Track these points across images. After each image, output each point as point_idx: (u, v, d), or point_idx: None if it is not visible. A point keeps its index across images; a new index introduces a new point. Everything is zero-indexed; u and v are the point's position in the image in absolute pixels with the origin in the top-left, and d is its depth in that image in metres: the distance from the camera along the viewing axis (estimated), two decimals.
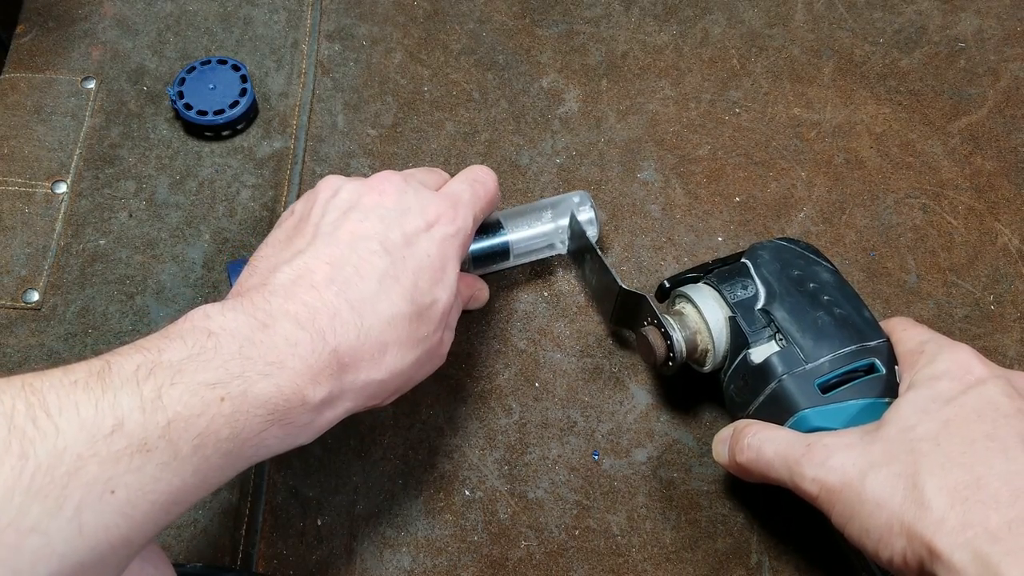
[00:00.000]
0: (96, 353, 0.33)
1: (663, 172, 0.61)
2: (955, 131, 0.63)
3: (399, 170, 0.46)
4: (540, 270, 0.57)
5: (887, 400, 0.42)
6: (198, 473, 0.32)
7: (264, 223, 0.57)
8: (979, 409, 0.38)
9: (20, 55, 0.63)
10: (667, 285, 0.50)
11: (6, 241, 0.56)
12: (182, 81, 0.60)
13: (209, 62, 0.61)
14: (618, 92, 0.64)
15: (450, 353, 0.53)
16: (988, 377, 0.39)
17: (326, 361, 0.37)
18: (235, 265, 0.52)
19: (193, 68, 0.61)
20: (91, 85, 0.62)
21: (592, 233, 0.54)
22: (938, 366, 0.41)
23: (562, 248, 0.55)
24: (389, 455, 0.50)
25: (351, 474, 0.50)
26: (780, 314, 0.45)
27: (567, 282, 0.56)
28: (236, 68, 0.61)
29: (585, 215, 0.54)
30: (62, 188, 0.58)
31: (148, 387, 0.31)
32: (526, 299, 0.56)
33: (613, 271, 0.50)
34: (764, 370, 0.44)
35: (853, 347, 0.44)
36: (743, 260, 0.48)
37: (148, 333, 0.35)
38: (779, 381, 0.44)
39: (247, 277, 0.40)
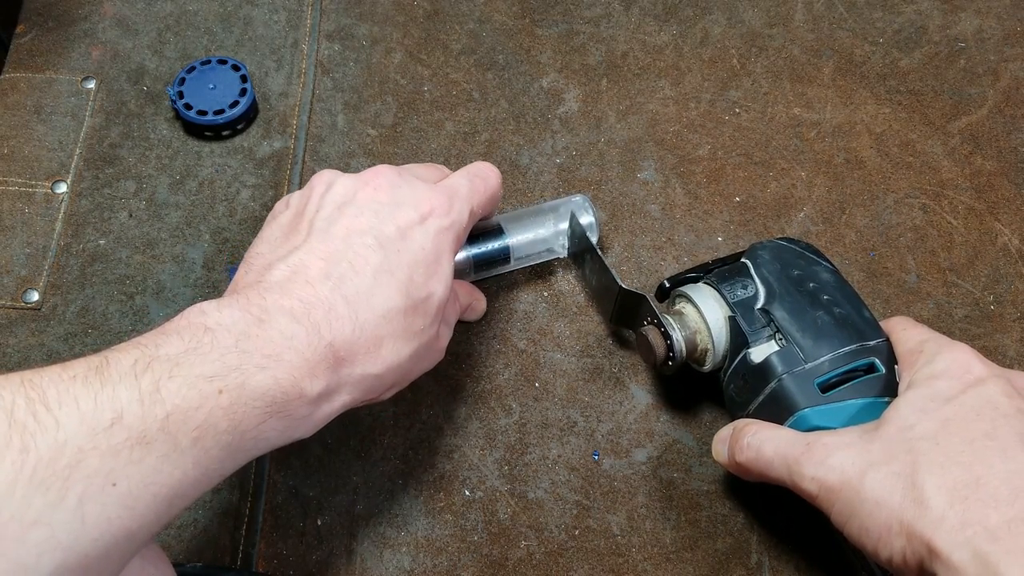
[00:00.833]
0: (96, 353, 0.33)
1: (663, 172, 0.61)
2: (955, 131, 0.63)
3: None
4: (540, 271, 0.57)
5: (886, 399, 0.42)
6: (199, 466, 0.33)
7: (264, 223, 0.57)
8: (978, 408, 0.38)
9: (20, 55, 0.63)
10: (667, 285, 0.50)
11: (6, 241, 0.56)
12: (182, 81, 0.60)
13: (209, 62, 0.62)
14: (618, 92, 0.64)
15: (450, 353, 0.53)
16: (987, 376, 0.39)
17: (322, 355, 0.37)
18: (236, 268, 0.52)
19: (193, 68, 0.61)
20: (91, 85, 0.62)
21: (592, 234, 0.54)
22: (937, 365, 0.41)
23: (562, 252, 0.55)
24: (389, 455, 0.50)
25: (351, 474, 0.50)
26: (780, 314, 0.45)
27: (567, 282, 0.56)
28: (236, 68, 0.61)
29: (585, 218, 0.54)
30: (62, 188, 0.58)
31: (146, 381, 0.32)
32: (526, 299, 0.56)
33: (613, 271, 0.50)
34: (764, 369, 0.44)
35: (853, 347, 0.44)
36: (743, 260, 0.48)
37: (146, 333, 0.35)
38: (779, 380, 0.44)
39: (243, 274, 0.41)
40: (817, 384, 0.43)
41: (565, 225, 0.54)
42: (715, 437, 0.46)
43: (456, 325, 0.52)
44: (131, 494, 0.30)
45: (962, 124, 0.63)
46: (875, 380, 0.43)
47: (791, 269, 0.47)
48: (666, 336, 0.47)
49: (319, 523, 0.49)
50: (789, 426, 0.43)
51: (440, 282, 0.42)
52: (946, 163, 0.62)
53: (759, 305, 0.46)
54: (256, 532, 0.48)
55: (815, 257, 0.48)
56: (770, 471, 0.42)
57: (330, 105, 0.62)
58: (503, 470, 0.50)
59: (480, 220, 0.51)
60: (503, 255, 0.53)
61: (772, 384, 0.44)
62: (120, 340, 0.52)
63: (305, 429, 0.38)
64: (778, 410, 0.44)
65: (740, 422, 0.45)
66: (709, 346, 0.47)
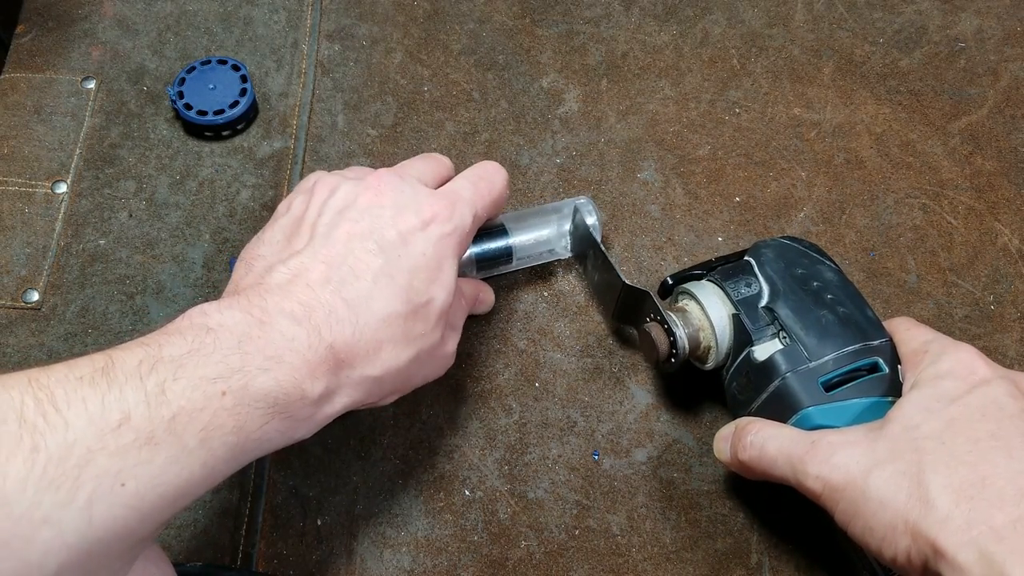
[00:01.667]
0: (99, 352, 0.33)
1: (663, 172, 0.61)
2: (955, 131, 0.63)
3: None
4: (541, 270, 0.56)
5: (890, 399, 0.42)
6: (205, 466, 0.33)
7: (264, 223, 0.57)
8: (983, 408, 0.38)
9: (20, 55, 0.63)
10: (670, 282, 0.50)
11: (6, 241, 0.56)
12: (182, 81, 0.60)
13: (209, 62, 0.61)
14: (618, 92, 0.64)
15: None
16: (992, 377, 0.39)
17: (323, 356, 0.37)
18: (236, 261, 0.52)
19: (193, 68, 0.61)
20: (91, 85, 0.62)
21: (594, 235, 0.54)
22: (942, 366, 0.41)
23: (564, 253, 0.55)
24: (389, 455, 0.50)
25: (351, 474, 0.50)
26: (784, 312, 0.45)
27: (567, 282, 0.56)
28: (236, 68, 0.61)
29: (589, 219, 0.54)
30: (62, 188, 0.58)
31: (151, 382, 0.32)
32: (526, 299, 0.56)
33: (616, 267, 0.50)
34: (767, 368, 0.44)
35: (856, 346, 0.44)
36: (747, 258, 0.48)
37: (148, 333, 0.35)
38: (782, 379, 0.44)
39: (243, 275, 0.41)
40: (821, 383, 0.43)
41: (568, 226, 0.54)
42: (717, 435, 0.46)
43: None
44: (138, 494, 0.30)
45: (962, 124, 0.63)
46: (879, 380, 0.43)
47: (795, 268, 0.47)
48: (669, 333, 0.47)
49: (319, 523, 0.48)
50: (792, 424, 0.43)
51: (442, 288, 0.42)
52: (946, 163, 0.62)
53: (763, 303, 0.46)
54: (256, 532, 0.48)
55: (819, 256, 0.48)
56: (773, 470, 0.42)
57: (330, 105, 0.62)
58: (503, 470, 0.50)
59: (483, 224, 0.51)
60: (506, 255, 0.53)
61: (775, 382, 0.44)
62: (120, 340, 0.52)
63: (306, 430, 0.38)
64: (781, 408, 0.44)
65: (742, 420, 0.45)
66: (712, 343, 0.47)
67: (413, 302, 0.41)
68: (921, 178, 0.61)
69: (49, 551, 0.28)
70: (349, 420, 0.51)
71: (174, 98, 0.60)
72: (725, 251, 0.57)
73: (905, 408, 0.39)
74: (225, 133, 0.60)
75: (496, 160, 0.60)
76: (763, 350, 0.45)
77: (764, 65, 0.66)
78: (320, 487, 0.49)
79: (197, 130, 0.60)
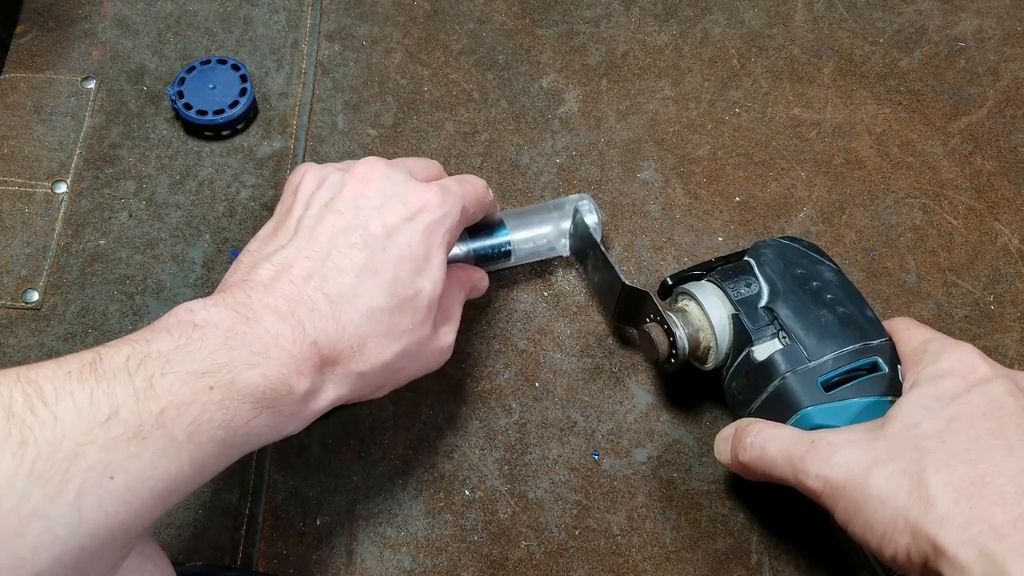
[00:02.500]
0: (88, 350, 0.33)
1: (663, 172, 0.61)
2: (955, 131, 0.63)
3: None
4: (540, 270, 0.56)
5: (889, 399, 0.42)
6: (194, 461, 0.33)
7: (264, 223, 0.57)
8: (984, 407, 0.38)
9: (20, 55, 0.63)
10: (670, 282, 0.50)
11: (6, 241, 0.56)
12: (182, 81, 0.60)
13: (209, 62, 0.61)
14: (618, 92, 0.64)
15: None
16: (992, 376, 0.39)
17: (308, 352, 0.37)
18: (237, 252, 0.52)
19: (193, 68, 0.61)
20: (91, 85, 0.62)
21: (595, 236, 0.54)
22: (942, 364, 0.41)
23: (564, 250, 0.55)
24: (389, 455, 0.50)
25: (351, 474, 0.50)
26: (783, 312, 0.45)
27: (567, 282, 0.56)
28: (236, 68, 0.61)
29: (587, 218, 0.54)
30: (62, 188, 0.58)
31: (140, 377, 0.32)
32: (526, 299, 0.56)
33: (616, 267, 0.50)
34: (767, 368, 0.44)
35: (856, 346, 0.44)
36: (747, 258, 0.48)
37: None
38: (782, 379, 0.44)
39: (231, 273, 0.41)
40: (820, 383, 0.43)
41: (568, 224, 0.54)
42: (717, 437, 0.46)
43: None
44: (128, 488, 0.30)
45: (962, 124, 0.63)
46: (878, 379, 0.43)
47: (795, 268, 0.47)
48: (669, 333, 0.47)
49: (319, 523, 0.48)
50: (792, 424, 0.43)
51: (428, 279, 0.42)
52: (946, 163, 0.62)
53: (763, 303, 0.46)
54: (256, 532, 0.48)
55: (818, 256, 0.48)
56: (774, 470, 0.42)
57: (330, 105, 0.62)
58: (503, 470, 0.50)
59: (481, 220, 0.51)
60: (505, 251, 0.53)
61: (775, 382, 0.44)
62: None
63: (295, 425, 0.38)
64: (781, 408, 0.44)
65: (743, 421, 0.45)
66: (712, 344, 0.47)
67: (399, 295, 0.40)
68: (921, 178, 0.61)
69: (40, 545, 0.28)
70: (349, 420, 0.51)
71: (174, 98, 0.60)
72: (725, 251, 0.57)
73: (905, 407, 0.39)
74: (225, 133, 0.60)
75: (496, 160, 0.60)
76: (762, 350, 0.45)
77: (764, 65, 0.66)
78: (320, 487, 0.49)
79: (197, 130, 0.60)
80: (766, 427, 0.43)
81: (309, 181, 0.44)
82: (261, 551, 0.48)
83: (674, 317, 0.47)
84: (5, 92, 0.61)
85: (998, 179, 0.61)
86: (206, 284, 0.55)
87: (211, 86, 0.60)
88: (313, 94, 0.63)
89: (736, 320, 0.46)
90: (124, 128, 0.61)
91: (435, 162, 0.49)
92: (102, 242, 0.56)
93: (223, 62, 0.62)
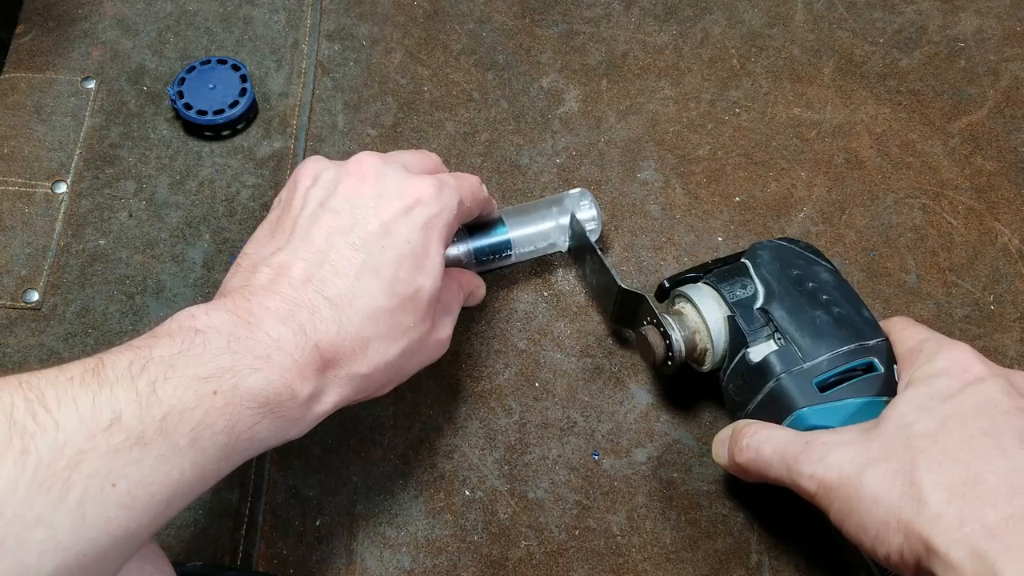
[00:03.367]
0: (96, 353, 0.33)
1: (663, 172, 0.61)
2: (955, 131, 0.63)
3: None
4: (540, 269, 0.57)
5: (885, 399, 0.42)
6: (196, 466, 0.33)
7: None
8: (977, 406, 0.38)
9: (20, 55, 0.63)
10: (667, 285, 0.50)
11: (6, 241, 0.56)
12: (182, 81, 0.60)
13: (209, 62, 0.62)
14: (618, 92, 0.64)
15: (450, 353, 0.53)
16: (987, 375, 0.39)
17: (310, 356, 0.37)
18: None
19: (193, 68, 0.61)
20: (91, 85, 0.62)
21: (593, 230, 0.54)
22: (937, 364, 0.41)
23: (563, 246, 0.55)
24: (389, 455, 0.50)
25: (351, 474, 0.50)
26: (779, 313, 0.45)
27: (567, 282, 0.56)
28: (236, 68, 0.61)
29: (586, 213, 0.54)
30: (62, 188, 0.58)
31: (142, 382, 0.32)
32: (526, 299, 0.56)
33: (613, 270, 0.50)
34: (762, 369, 0.44)
35: (851, 346, 0.44)
36: (743, 260, 0.48)
37: (145, 334, 0.36)
38: (777, 380, 0.44)
39: (231, 276, 0.41)
40: (815, 383, 0.43)
41: (567, 219, 0.54)
42: (715, 439, 0.46)
43: (456, 324, 0.52)
44: (130, 494, 0.30)
45: (962, 124, 0.63)
46: (873, 379, 0.43)
47: (790, 269, 0.47)
48: (665, 336, 0.47)
49: (319, 523, 0.49)
50: (787, 425, 0.43)
51: (428, 276, 0.42)
52: (946, 163, 0.62)
53: (758, 305, 0.46)
54: (256, 532, 0.48)
55: (815, 257, 0.48)
56: (769, 471, 0.42)
57: (330, 105, 0.62)
58: (503, 470, 0.50)
59: (479, 217, 0.51)
60: (505, 248, 0.53)
61: (771, 383, 0.44)
62: (120, 340, 0.52)
63: (298, 430, 0.38)
64: (777, 409, 0.44)
65: (739, 423, 0.45)
66: (708, 346, 0.47)
67: (400, 294, 0.40)
68: (921, 178, 0.61)
69: (44, 552, 0.28)
70: (349, 420, 0.51)
71: (174, 98, 0.60)
72: (725, 251, 0.57)
73: (899, 406, 0.39)
74: (225, 133, 0.60)
75: (496, 160, 0.60)
76: (758, 351, 0.45)
77: (764, 65, 0.66)
78: (320, 487, 0.49)
79: (197, 130, 0.60)
80: (761, 428, 0.43)
81: (304, 176, 0.43)
82: (261, 551, 0.48)
83: (670, 320, 0.47)
84: (5, 92, 0.61)
85: (998, 179, 0.61)
86: (206, 284, 0.55)
87: (211, 86, 0.60)
88: (313, 94, 0.63)
89: (732, 322, 0.46)
90: (124, 128, 0.61)
91: (432, 154, 0.49)
92: (102, 242, 0.56)
93: (223, 62, 0.62)
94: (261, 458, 0.50)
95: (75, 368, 0.32)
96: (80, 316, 0.54)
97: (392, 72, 0.64)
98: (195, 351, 0.34)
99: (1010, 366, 0.53)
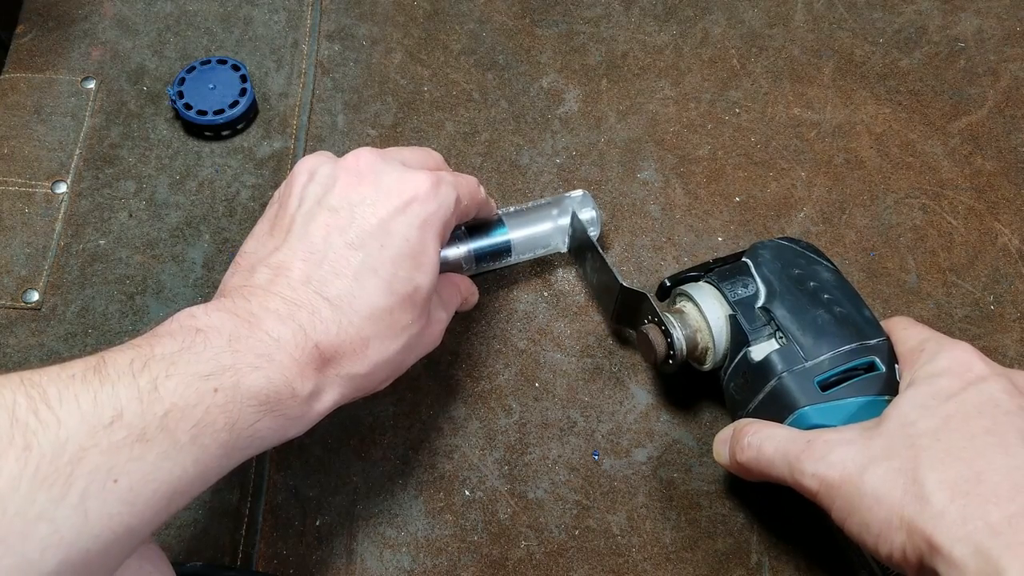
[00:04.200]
0: (94, 354, 0.33)
1: (663, 172, 0.61)
2: (955, 131, 0.63)
3: None
4: (540, 269, 0.57)
5: (886, 398, 0.42)
6: (198, 464, 0.33)
7: None
8: (979, 405, 0.38)
9: (20, 55, 0.63)
10: (668, 284, 0.50)
11: (6, 241, 0.56)
12: (182, 81, 0.60)
13: (209, 62, 0.62)
14: (618, 92, 0.64)
15: (450, 353, 0.53)
16: (989, 375, 0.39)
17: (310, 355, 0.37)
18: None
19: (193, 68, 0.61)
20: (91, 85, 0.62)
21: (593, 232, 0.54)
22: (939, 363, 0.41)
23: (563, 246, 0.55)
24: (389, 455, 0.50)
25: (351, 474, 0.50)
26: (780, 312, 0.45)
27: (567, 282, 0.56)
28: (236, 68, 0.61)
29: (586, 214, 0.54)
30: (62, 188, 0.58)
31: (144, 379, 0.32)
32: (526, 299, 0.56)
33: (614, 269, 0.50)
34: (764, 368, 0.44)
35: (853, 345, 0.44)
36: (744, 259, 0.48)
37: (146, 334, 0.36)
38: (779, 379, 0.44)
39: (231, 275, 0.41)
40: (817, 382, 0.43)
41: (567, 220, 0.54)
42: (716, 438, 0.46)
43: (455, 324, 0.52)
44: (132, 490, 0.31)
45: (962, 124, 0.63)
46: (875, 379, 0.43)
47: (792, 268, 0.47)
48: (667, 334, 0.47)
49: (319, 523, 0.48)
50: (789, 424, 0.43)
51: (426, 273, 0.41)
52: (946, 163, 0.62)
53: (759, 304, 0.46)
54: (256, 532, 0.48)
55: (816, 256, 0.48)
56: (771, 470, 0.42)
57: (330, 105, 0.62)
58: (503, 470, 0.50)
59: (478, 218, 0.51)
60: (504, 248, 0.53)
61: (772, 382, 0.44)
62: (120, 340, 0.52)
63: (298, 428, 0.38)
64: (778, 408, 0.44)
65: (740, 422, 0.45)
66: (710, 344, 0.47)
67: (399, 293, 0.40)
68: (921, 178, 0.61)
69: (47, 547, 0.28)
70: (349, 420, 0.51)
71: (174, 98, 0.60)
72: (725, 251, 0.57)
73: (901, 405, 0.39)
74: (225, 133, 0.60)
75: (496, 160, 0.60)
76: (759, 350, 0.45)
77: (764, 65, 0.66)
78: (320, 487, 0.49)
79: (197, 130, 0.60)
80: (763, 427, 0.43)
81: (301, 172, 0.43)
82: (261, 551, 0.48)
83: (671, 318, 0.47)
84: (5, 92, 0.61)
85: (998, 179, 0.61)
86: (206, 284, 0.55)
87: (211, 86, 0.60)
88: (313, 94, 0.63)
89: (733, 321, 0.46)
90: (124, 128, 0.61)
91: (434, 152, 0.48)
92: (102, 242, 0.56)
93: (223, 62, 0.62)
94: (261, 458, 0.50)
95: (77, 366, 0.32)
96: (80, 316, 0.54)
97: (392, 72, 0.64)
98: (196, 349, 0.34)
99: (1010, 366, 0.53)
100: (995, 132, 0.63)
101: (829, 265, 0.48)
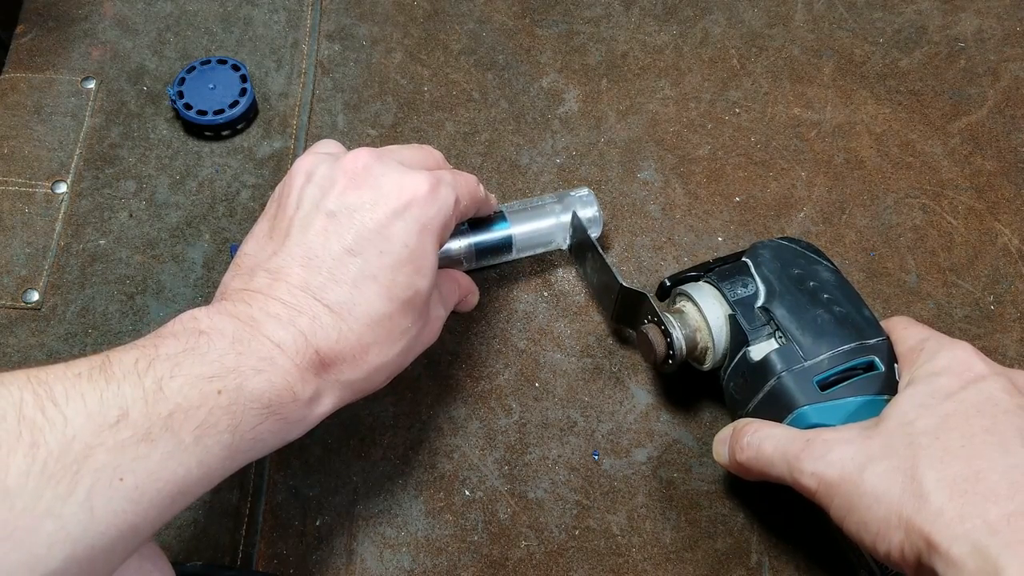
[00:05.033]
0: (96, 353, 0.33)
1: (663, 172, 0.61)
2: (955, 131, 0.63)
3: None
4: (541, 269, 0.57)
5: (885, 397, 0.42)
6: (202, 464, 0.33)
7: None
8: (978, 404, 0.38)
9: (20, 55, 0.63)
10: (667, 283, 0.50)
11: (6, 241, 0.56)
12: (182, 81, 0.60)
13: (209, 62, 0.62)
14: (618, 92, 0.64)
15: (450, 353, 0.53)
16: (988, 374, 0.40)
17: (311, 360, 0.37)
18: (236, 247, 0.52)
19: (193, 68, 0.61)
20: (91, 85, 0.62)
21: (595, 230, 0.54)
22: (938, 362, 0.41)
23: (563, 243, 0.55)
24: (389, 455, 0.50)
25: (351, 474, 0.50)
26: (780, 312, 0.45)
27: (567, 281, 0.56)
28: (236, 68, 0.61)
29: (588, 212, 0.54)
30: (62, 188, 0.58)
31: (149, 379, 0.32)
32: (526, 299, 0.56)
33: (614, 269, 0.50)
34: (763, 367, 0.44)
35: (852, 345, 0.44)
36: (744, 259, 0.48)
37: (148, 333, 0.36)
38: (778, 378, 0.44)
39: (231, 277, 0.41)
40: (816, 382, 0.43)
41: (568, 216, 0.54)
42: (715, 438, 0.46)
43: (455, 324, 0.52)
44: (137, 489, 0.31)
45: (962, 124, 0.63)
46: (874, 378, 0.43)
47: (791, 268, 0.47)
48: (666, 334, 0.47)
49: (319, 523, 0.48)
50: (788, 424, 0.43)
51: (425, 277, 0.41)
52: (946, 163, 0.62)
53: (759, 303, 0.46)
54: (256, 532, 0.48)
55: (816, 256, 0.48)
56: (771, 469, 0.42)
57: (330, 105, 0.62)
58: (503, 470, 0.50)
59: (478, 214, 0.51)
60: (506, 243, 0.53)
61: (771, 382, 0.44)
62: (120, 340, 0.53)
63: (299, 430, 0.38)
64: (777, 408, 0.44)
65: (740, 422, 0.45)
66: (709, 344, 0.47)
67: (398, 299, 0.40)
68: (921, 178, 0.61)
69: (54, 543, 0.29)
70: (349, 420, 0.51)
71: (174, 98, 0.60)
72: (725, 251, 0.57)
73: (900, 404, 0.40)
74: (225, 133, 0.60)
75: (496, 160, 0.60)
76: (759, 350, 0.45)
77: (764, 65, 0.66)
78: (320, 487, 0.49)
79: (197, 130, 0.60)
80: (762, 427, 0.43)
81: (299, 173, 0.42)
82: (261, 551, 0.48)
83: (671, 318, 0.47)
84: (5, 92, 0.61)
85: (998, 179, 0.61)
86: (206, 284, 0.55)
87: (211, 86, 0.60)
88: (313, 94, 0.63)
89: (733, 320, 0.46)
90: (124, 128, 0.61)
91: (434, 151, 0.47)
92: (102, 242, 0.56)
93: (223, 62, 0.62)
94: (261, 458, 0.50)
95: (82, 364, 0.32)
96: (80, 316, 0.54)
97: (392, 72, 0.64)
98: (200, 351, 0.34)
99: (1010, 366, 0.53)
100: (995, 132, 0.63)
101: (829, 265, 0.48)
